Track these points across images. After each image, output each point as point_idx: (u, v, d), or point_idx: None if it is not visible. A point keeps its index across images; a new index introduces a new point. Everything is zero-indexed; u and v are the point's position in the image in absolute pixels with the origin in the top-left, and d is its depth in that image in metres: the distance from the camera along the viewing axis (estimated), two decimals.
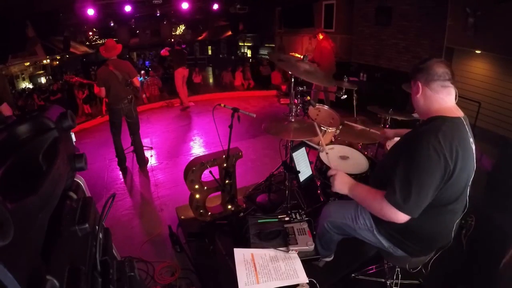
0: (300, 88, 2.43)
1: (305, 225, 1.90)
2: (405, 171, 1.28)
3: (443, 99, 1.35)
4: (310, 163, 2.42)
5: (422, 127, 1.38)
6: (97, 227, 1.01)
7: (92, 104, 7.44)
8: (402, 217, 1.30)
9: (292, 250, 1.69)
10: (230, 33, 11.09)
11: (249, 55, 12.54)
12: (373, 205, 1.40)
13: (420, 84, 1.38)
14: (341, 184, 1.55)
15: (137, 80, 3.76)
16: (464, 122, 1.34)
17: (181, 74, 6.54)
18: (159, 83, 8.21)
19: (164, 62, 10.47)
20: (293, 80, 2.34)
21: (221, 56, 13.75)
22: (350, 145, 2.63)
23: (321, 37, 5.57)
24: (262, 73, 8.98)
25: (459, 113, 1.36)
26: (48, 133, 0.86)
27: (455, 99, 1.38)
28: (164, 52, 6.58)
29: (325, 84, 2.31)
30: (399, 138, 2.25)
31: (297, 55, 5.97)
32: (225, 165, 2.40)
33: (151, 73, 8.50)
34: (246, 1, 8.33)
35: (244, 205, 2.78)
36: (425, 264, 1.67)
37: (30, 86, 11.41)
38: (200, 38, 13.25)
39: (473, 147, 1.35)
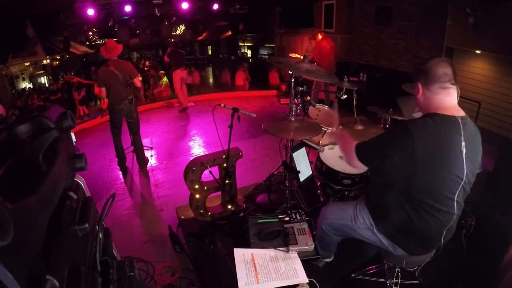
0: (300, 88, 2.43)
1: (305, 225, 1.90)
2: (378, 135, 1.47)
3: (441, 99, 1.36)
4: (310, 163, 2.42)
5: None
6: (97, 227, 1.01)
7: (89, 105, 7.44)
8: (355, 159, 1.47)
9: (292, 250, 1.69)
10: (230, 33, 11.08)
11: (249, 55, 12.53)
12: (347, 149, 1.56)
13: (420, 86, 1.40)
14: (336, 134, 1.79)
15: (138, 80, 3.76)
16: (460, 122, 1.32)
17: (179, 76, 6.53)
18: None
19: (164, 63, 10.46)
20: (293, 80, 2.34)
21: (221, 56, 13.74)
22: None
23: (320, 37, 5.57)
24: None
25: (456, 113, 1.35)
26: (48, 133, 0.86)
27: (457, 98, 1.37)
28: (166, 59, 6.62)
29: (328, 81, 2.31)
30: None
31: (296, 55, 5.95)
32: (225, 165, 2.40)
33: (151, 72, 8.52)
34: (246, 1, 8.32)
35: (244, 205, 2.78)
36: (425, 264, 1.68)
37: (30, 85, 11.41)
38: (200, 38, 13.25)
39: (464, 150, 1.31)
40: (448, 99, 1.36)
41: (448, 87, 1.34)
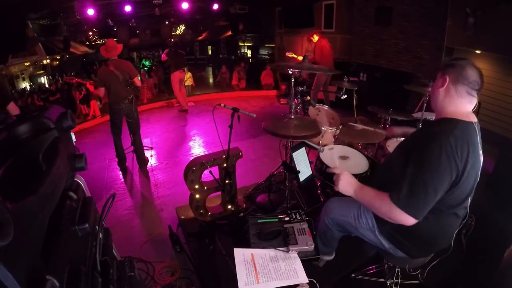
0: (300, 88, 2.43)
1: (305, 225, 1.90)
2: (414, 172, 1.25)
3: (463, 104, 1.32)
4: (310, 163, 2.42)
5: (434, 127, 1.34)
6: (97, 227, 1.02)
7: (89, 104, 7.43)
8: (410, 220, 1.26)
9: (292, 250, 1.69)
10: (230, 33, 11.08)
11: (249, 55, 12.53)
12: (381, 209, 1.34)
13: (448, 79, 1.33)
14: (346, 186, 1.51)
15: (138, 80, 3.76)
16: (476, 128, 1.32)
17: (177, 77, 6.53)
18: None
19: (164, 62, 10.48)
20: (293, 80, 2.34)
21: (221, 56, 13.73)
22: (350, 145, 2.63)
23: (316, 38, 5.56)
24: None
25: (473, 119, 1.33)
26: (48, 133, 0.86)
27: (473, 108, 1.35)
28: (163, 57, 6.62)
29: (330, 73, 2.31)
30: (402, 138, 2.24)
31: (293, 55, 5.92)
32: (225, 165, 2.40)
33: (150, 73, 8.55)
34: (246, 1, 8.32)
35: (244, 205, 2.78)
36: (425, 264, 1.68)
37: (29, 85, 11.40)
38: (200, 38, 13.23)
39: (481, 152, 1.33)
40: (468, 106, 1.33)
41: (474, 96, 1.31)
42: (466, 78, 1.29)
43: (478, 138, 1.32)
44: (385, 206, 1.31)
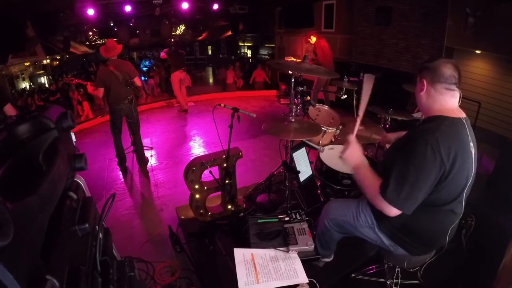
0: (300, 88, 2.43)
1: (305, 225, 1.90)
2: (400, 167, 1.31)
3: (446, 100, 1.35)
4: (310, 163, 2.43)
5: (422, 125, 1.38)
6: (97, 227, 1.02)
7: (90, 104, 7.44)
8: (393, 211, 1.32)
9: (292, 250, 1.69)
10: (230, 33, 11.08)
11: (249, 55, 12.53)
12: (369, 191, 1.42)
13: (425, 82, 1.38)
14: (351, 155, 1.54)
15: (138, 80, 3.76)
16: (465, 124, 1.34)
17: (177, 77, 6.53)
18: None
19: (164, 62, 10.49)
20: (293, 80, 2.34)
21: (221, 56, 13.74)
22: None
23: (314, 39, 5.53)
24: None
25: (461, 114, 1.35)
26: (48, 133, 0.86)
27: (459, 101, 1.37)
28: (163, 55, 6.62)
29: (331, 76, 2.31)
30: None
31: (292, 59, 5.89)
32: (225, 165, 2.40)
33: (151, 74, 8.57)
34: (246, 1, 8.33)
35: (244, 205, 2.78)
36: (425, 264, 1.68)
37: (28, 85, 11.39)
38: (200, 38, 13.23)
39: (473, 150, 1.34)
40: (452, 101, 1.36)
41: (454, 90, 1.34)
42: (441, 76, 1.33)
43: (468, 133, 1.33)
44: (373, 192, 1.38)
